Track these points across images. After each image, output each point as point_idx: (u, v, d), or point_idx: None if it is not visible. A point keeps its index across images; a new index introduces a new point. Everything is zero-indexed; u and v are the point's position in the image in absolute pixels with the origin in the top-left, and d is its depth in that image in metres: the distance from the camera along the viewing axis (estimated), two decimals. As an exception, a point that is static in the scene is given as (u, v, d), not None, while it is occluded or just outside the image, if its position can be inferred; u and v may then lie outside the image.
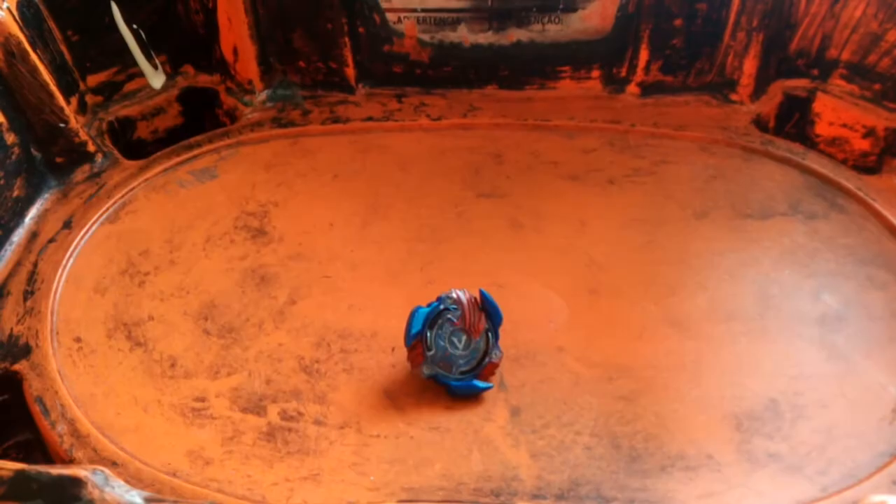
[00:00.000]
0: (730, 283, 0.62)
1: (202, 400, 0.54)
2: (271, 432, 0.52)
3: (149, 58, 0.84)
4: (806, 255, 0.64)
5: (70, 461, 0.51)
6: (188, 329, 0.59)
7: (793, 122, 0.81)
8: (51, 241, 0.68)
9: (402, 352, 0.55)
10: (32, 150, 0.73)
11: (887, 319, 0.58)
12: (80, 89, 0.79)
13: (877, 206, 0.67)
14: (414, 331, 0.53)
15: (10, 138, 0.70)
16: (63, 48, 0.77)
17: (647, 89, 0.82)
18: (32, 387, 0.55)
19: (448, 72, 0.84)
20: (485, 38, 0.81)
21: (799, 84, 0.80)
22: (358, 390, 0.55)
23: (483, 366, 0.53)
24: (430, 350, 0.53)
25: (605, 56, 0.81)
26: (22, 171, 0.71)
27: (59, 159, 0.75)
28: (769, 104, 0.80)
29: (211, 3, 0.82)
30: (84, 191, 0.73)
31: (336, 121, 0.81)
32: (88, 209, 0.71)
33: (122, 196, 0.72)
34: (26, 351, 0.58)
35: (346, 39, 0.82)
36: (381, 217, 0.69)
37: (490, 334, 0.54)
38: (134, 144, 0.84)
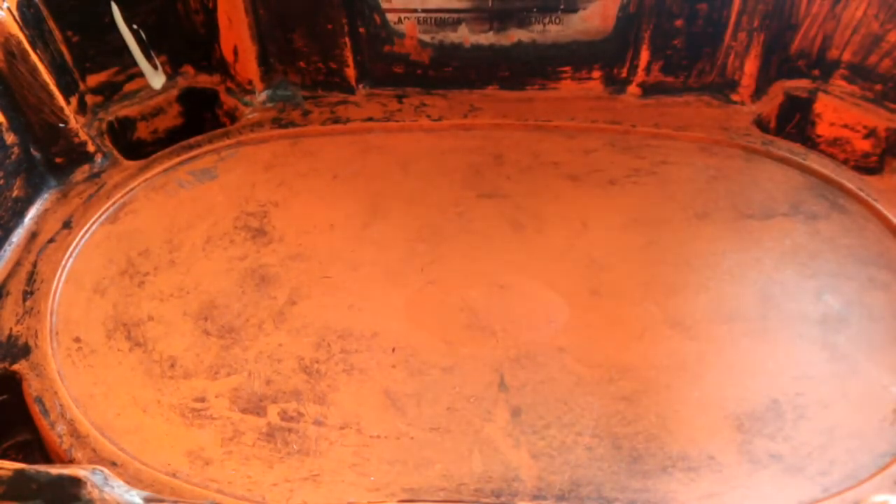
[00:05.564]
0: (731, 284, 0.62)
1: (202, 400, 0.54)
2: (271, 433, 0.52)
3: (149, 58, 0.84)
4: (807, 256, 0.63)
5: (69, 461, 0.51)
6: (188, 329, 0.59)
7: (794, 122, 0.81)
8: (50, 241, 0.68)
9: (402, 352, 0.55)
10: (32, 150, 0.73)
11: (888, 320, 0.58)
12: (79, 89, 0.79)
13: (878, 206, 0.67)
14: None
15: (10, 138, 0.70)
16: (63, 48, 0.77)
17: (648, 90, 0.82)
18: (32, 387, 0.55)
19: (449, 72, 0.83)
20: (485, 38, 0.81)
21: (800, 84, 0.80)
22: (358, 391, 0.54)
23: None
24: None
25: (605, 56, 0.81)
26: (22, 171, 0.71)
27: (58, 159, 0.75)
28: (770, 105, 0.80)
29: (211, 3, 0.81)
30: (84, 191, 0.73)
31: (336, 121, 0.81)
32: (88, 209, 0.71)
33: (122, 196, 0.72)
34: (26, 351, 0.58)
35: (347, 40, 0.81)
36: (381, 217, 0.69)
37: None
38: (134, 144, 0.84)
